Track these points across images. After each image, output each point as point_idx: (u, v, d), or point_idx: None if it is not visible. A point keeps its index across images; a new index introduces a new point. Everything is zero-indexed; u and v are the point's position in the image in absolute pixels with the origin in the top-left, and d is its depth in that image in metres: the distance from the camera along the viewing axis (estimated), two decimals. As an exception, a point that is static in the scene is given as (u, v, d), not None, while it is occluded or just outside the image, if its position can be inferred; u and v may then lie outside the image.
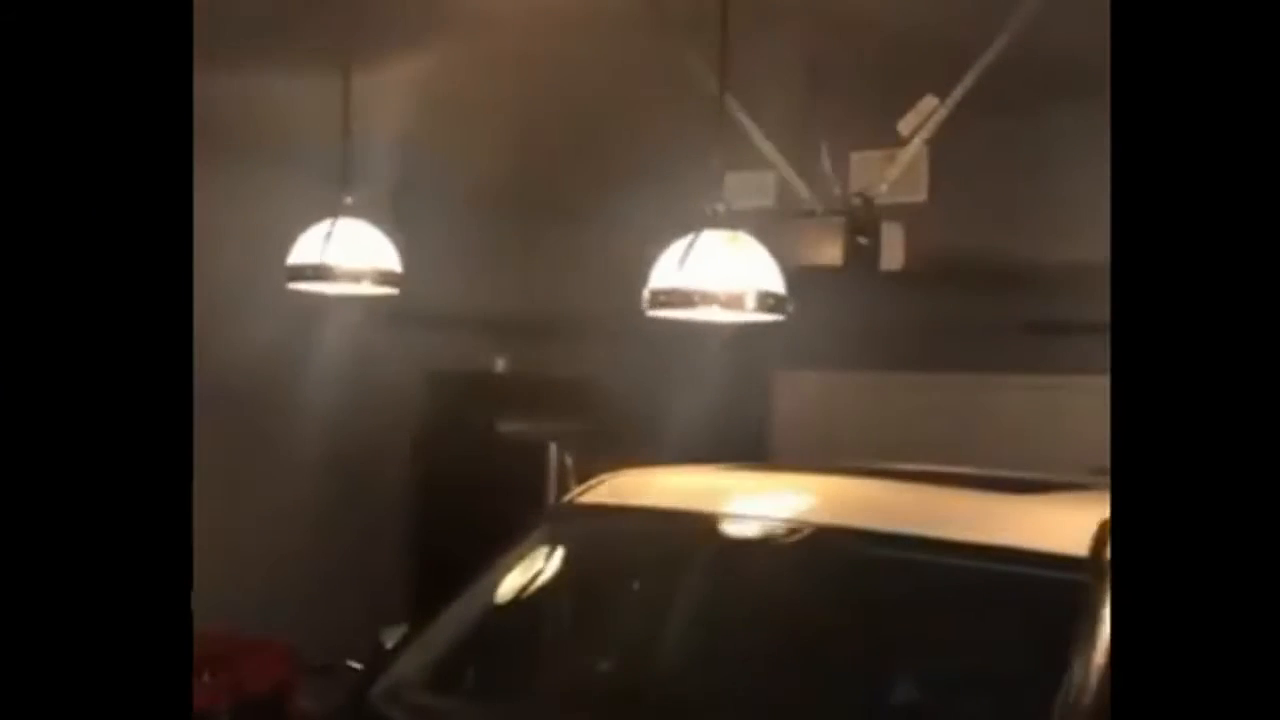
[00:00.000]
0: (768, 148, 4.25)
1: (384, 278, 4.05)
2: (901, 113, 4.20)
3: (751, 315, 3.46)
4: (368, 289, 4.07)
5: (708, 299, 3.35)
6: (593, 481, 3.61)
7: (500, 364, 7.40)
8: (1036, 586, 2.80)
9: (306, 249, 3.99)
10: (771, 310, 3.45)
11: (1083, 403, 5.82)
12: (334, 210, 4.00)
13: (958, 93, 3.79)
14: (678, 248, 3.41)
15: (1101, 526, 2.77)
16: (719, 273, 3.38)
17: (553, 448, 6.35)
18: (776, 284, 3.49)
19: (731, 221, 3.41)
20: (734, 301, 3.38)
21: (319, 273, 3.96)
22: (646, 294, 3.45)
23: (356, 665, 3.52)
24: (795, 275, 4.16)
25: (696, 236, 3.36)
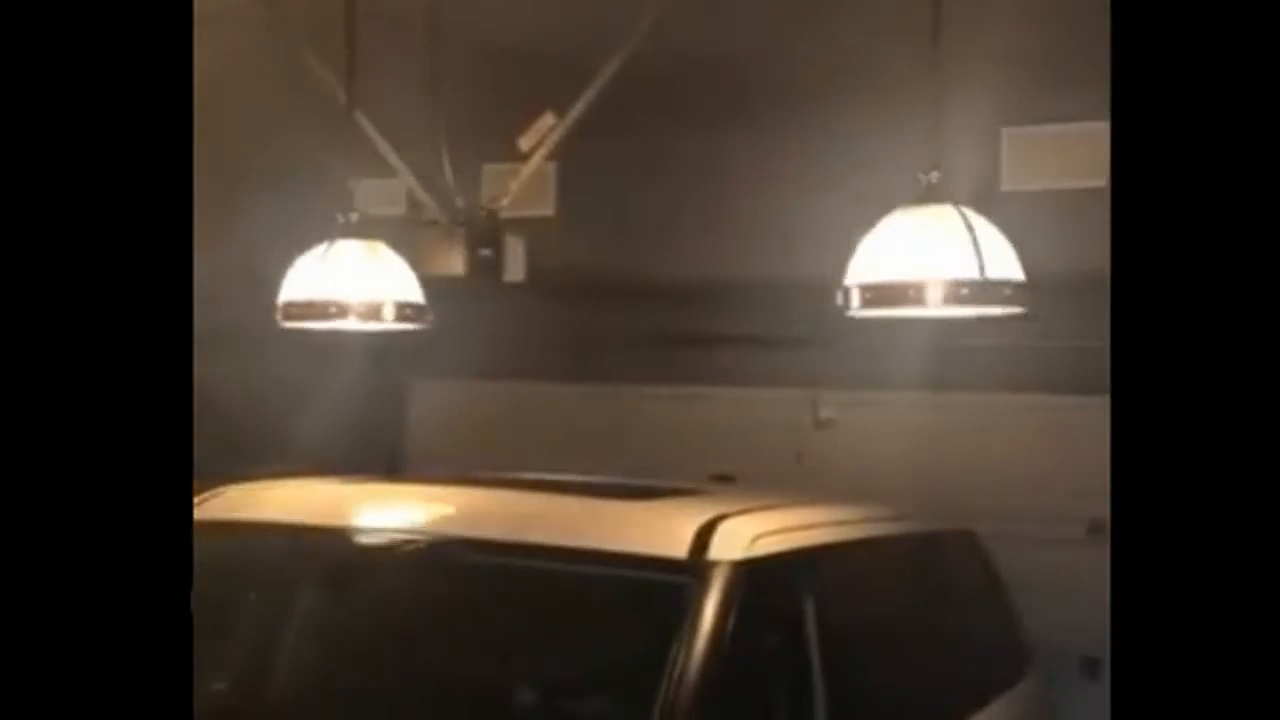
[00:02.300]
0: (393, 157, 4.24)
1: None
2: (528, 128, 4.28)
3: (390, 325, 3.43)
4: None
5: (344, 310, 3.30)
6: (206, 496, 3.49)
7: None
8: (641, 588, 2.92)
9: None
10: (410, 320, 3.43)
11: (704, 413, 6.10)
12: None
13: (576, 110, 3.90)
14: (311, 257, 3.34)
15: (701, 530, 2.91)
16: (357, 282, 3.33)
17: (172, 461, 6.08)
18: (415, 294, 3.47)
19: (365, 230, 3.38)
20: (372, 312, 3.35)
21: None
22: (280, 305, 3.36)
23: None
24: (423, 284, 4.18)
25: (330, 246, 3.31)
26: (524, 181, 4.08)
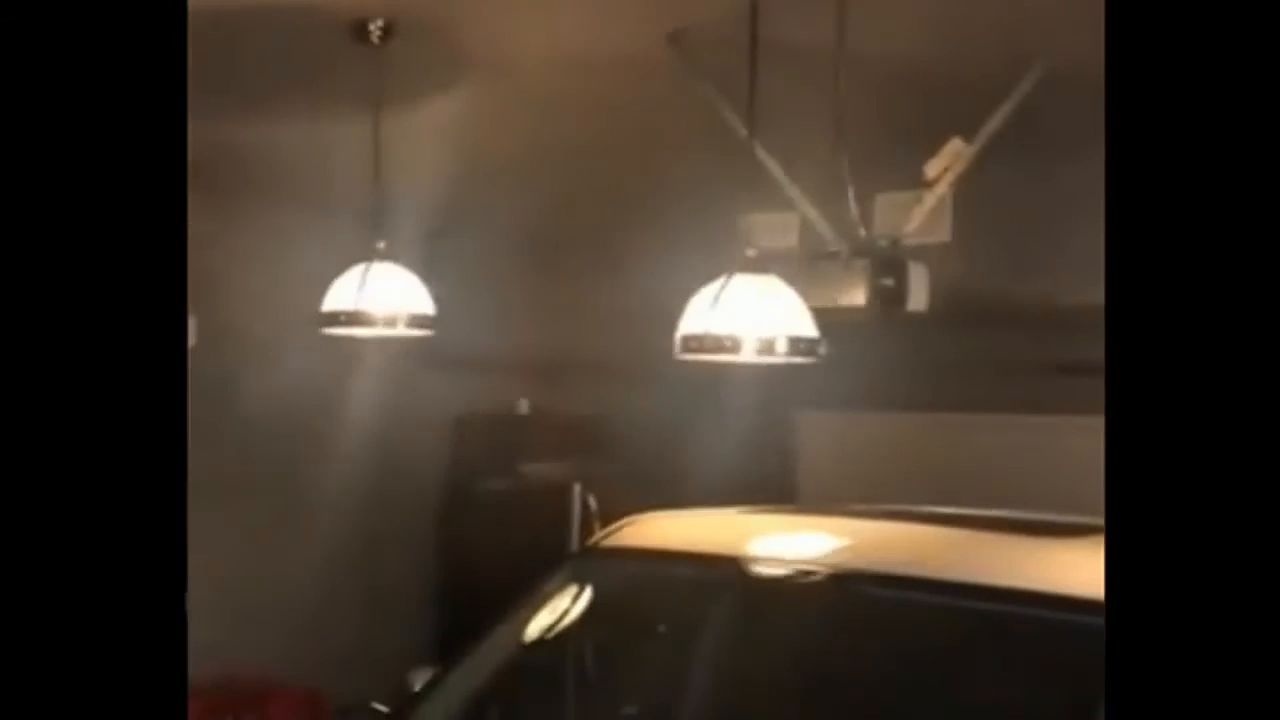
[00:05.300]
0: (793, 190, 4.27)
1: (417, 321, 4.14)
2: (927, 154, 4.22)
3: (783, 358, 3.46)
4: (401, 332, 4.15)
5: (739, 343, 3.35)
6: (618, 524, 3.62)
7: (524, 406, 7.43)
8: (1064, 631, 2.79)
9: (340, 294, 4.06)
10: (803, 353, 3.45)
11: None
12: (367, 255, 4.08)
13: (984, 135, 3.80)
14: (709, 292, 3.42)
15: (1130, 570, 2.75)
16: (751, 317, 3.38)
17: (577, 489, 6.36)
18: (808, 327, 3.49)
19: (761, 265, 3.42)
20: (766, 346, 3.38)
21: (353, 318, 4.04)
22: (678, 338, 3.45)
23: (383, 708, 3.52)
24: (818, 316, 4.18)
25: (728, 280, 3.37)
26: (928, 209, 4.02)
